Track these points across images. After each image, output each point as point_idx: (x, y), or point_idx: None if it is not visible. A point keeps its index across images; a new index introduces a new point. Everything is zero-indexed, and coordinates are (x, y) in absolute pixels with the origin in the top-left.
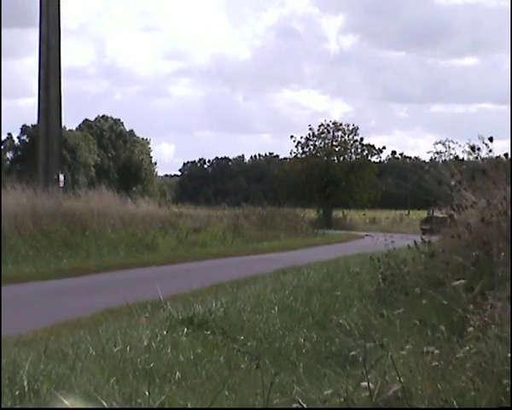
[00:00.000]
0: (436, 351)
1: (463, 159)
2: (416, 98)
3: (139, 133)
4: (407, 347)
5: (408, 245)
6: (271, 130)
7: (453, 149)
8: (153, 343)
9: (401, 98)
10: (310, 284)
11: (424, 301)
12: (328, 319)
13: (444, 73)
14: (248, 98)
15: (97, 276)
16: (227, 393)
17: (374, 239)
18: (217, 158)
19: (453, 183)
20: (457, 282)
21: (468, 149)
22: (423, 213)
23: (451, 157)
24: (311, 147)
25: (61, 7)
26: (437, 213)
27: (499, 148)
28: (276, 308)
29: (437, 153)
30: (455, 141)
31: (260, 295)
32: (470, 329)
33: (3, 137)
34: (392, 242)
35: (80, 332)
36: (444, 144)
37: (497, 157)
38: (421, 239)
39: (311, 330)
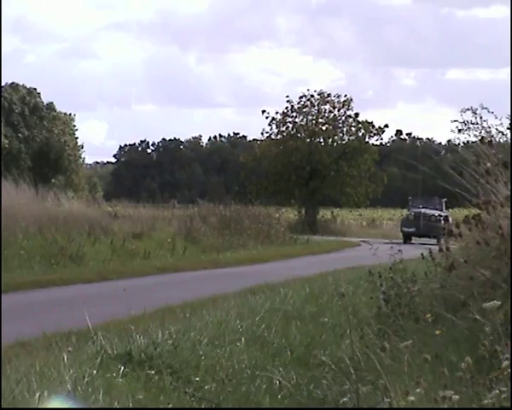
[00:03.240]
0: (455, 396)
1: (491, 140)
2: (427, 61)
3: (60, 107)
4: (417, 390)
5: (421, 254)
6: (235, 103)
7: (485, 120)
8: (78, 387)
9: (407, 61)
10: (288, 308)
11: (440, 330)
12: (311, 354)
13: (463, 28)
14: (204, 61)
15: (4, 297)
16: None
17: (373, 248)
18: (164, 140)
19: (487, 166)
20: (485, 304)
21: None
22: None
23: (483, 131)
24: (290, 125)
25: None
26: (426, 211)
27: None
28: (242, 340)
29: (464, 123)
30: (490, 110)
31: (222, 322)
32: (504, 364)
33: None
34: (400, 251)
35: None
36: (474, 112)
37: None
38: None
39: (290, 368)
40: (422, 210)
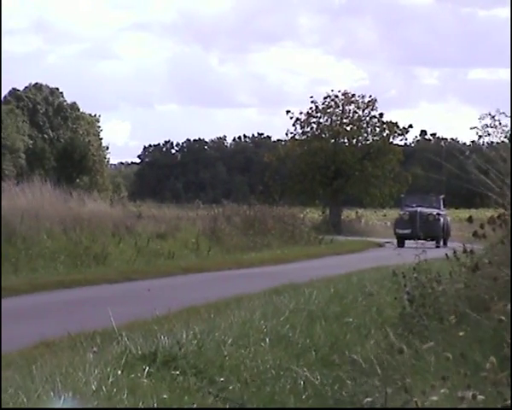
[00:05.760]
0: (480, 396)
1: None
2: (449, 61)
3: (84, 107)
4: (442, 390)
5: (446, 254)
6: (259, 103)
7: (505, 126)
8: (103, 387)
9: (430, 61)
10: (312, 308)
11: (464, 331)
12: (336, 354)
13: (485, 28)
14: (226, 61)
15: (29, 297)
16: None
17: (397, 249)
18: (188, 140)
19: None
20: (509, 304)
21: None
22: (463, 213)
23: (502, 136)
24: (314, 125)
25: None
26: (422, 209)
27: None
28: (266, 340)
29: (486, 127)
30: (507, 114)
31: (246, 322)
32: None
33: None
34: (424, 251)
35: (7, 373)
36: (493, 117)
37: None
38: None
39: (314, 368)
40: (418, 209)
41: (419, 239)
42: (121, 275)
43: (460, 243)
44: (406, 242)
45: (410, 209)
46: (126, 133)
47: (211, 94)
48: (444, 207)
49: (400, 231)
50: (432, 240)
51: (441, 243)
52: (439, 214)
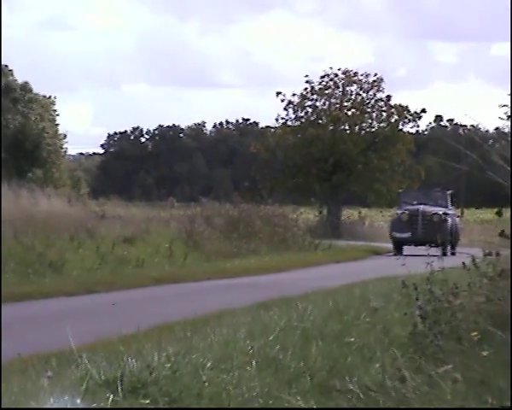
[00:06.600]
0: None
1: None
2: (469, 34)
3: (38, 88)
4: None
5: (463, 263)
6: (245, 83)
7: None
8: None
9: (447, 34)
10: (307, 326)
11: (486, 352)
12: (335, 380)
13: None
14: (206, 32)
15: None
16: None
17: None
18: (160, 127)
19: None
20: None
21: None
22: (485, 213)
23: None
24: (310, 110)
25: None
26: (425, 208)
27: None
28: (253, 364)
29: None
30: None
31: (229, 342)
32: None
33: None
34: (439, 258)
35: None
36: None
37: None
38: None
39: (309, 397)
40: (420, 207)
41: (421, 244)
42: (81, 286)
43: (479, 250)
44: (405, 248)
45: (410, 208)
46: (87, 119)
47: (187, 72)
48: (452, 204)
49: (398, 235)
50: (437, 246)
51: (448, 249)
52: (445, 214)
